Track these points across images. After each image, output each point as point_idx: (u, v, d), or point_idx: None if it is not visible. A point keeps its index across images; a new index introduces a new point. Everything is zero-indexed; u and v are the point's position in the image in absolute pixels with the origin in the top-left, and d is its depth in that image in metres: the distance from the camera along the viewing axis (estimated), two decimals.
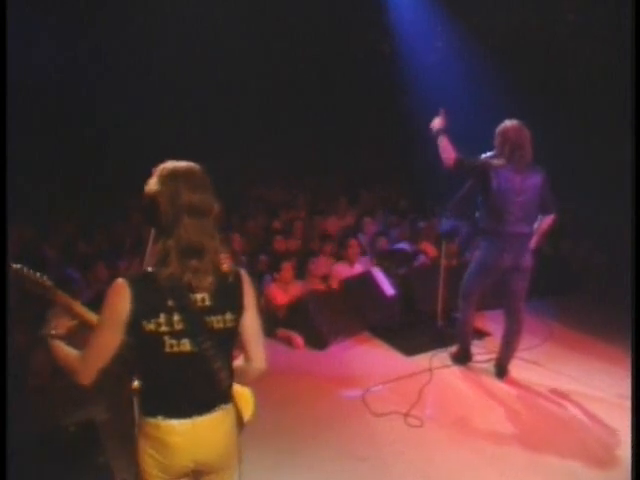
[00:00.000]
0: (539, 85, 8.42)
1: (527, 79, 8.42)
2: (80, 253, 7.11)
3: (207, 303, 2.21)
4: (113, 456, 3.81)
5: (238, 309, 2.29)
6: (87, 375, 2.20)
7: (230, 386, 2.37)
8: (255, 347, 2.40)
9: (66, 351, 2.31)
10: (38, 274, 2.52)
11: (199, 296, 2.20)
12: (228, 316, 2.26)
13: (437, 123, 5.08)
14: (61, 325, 2.44)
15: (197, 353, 2.21)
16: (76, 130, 8.80)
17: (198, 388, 2.27)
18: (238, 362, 2.42)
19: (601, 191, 8.02)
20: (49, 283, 2.52)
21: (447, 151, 4.96)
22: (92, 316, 2.55)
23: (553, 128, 6.26)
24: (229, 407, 2.38)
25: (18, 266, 2.49)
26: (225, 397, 2.36)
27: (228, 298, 2.27)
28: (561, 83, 8.42)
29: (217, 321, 2.24)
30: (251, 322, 2.35)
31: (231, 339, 2.32)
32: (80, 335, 2.47)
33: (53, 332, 2.39)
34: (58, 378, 4.53)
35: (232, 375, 2.35)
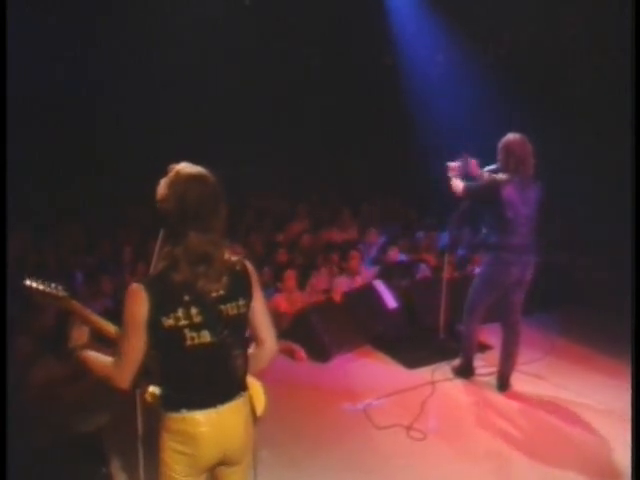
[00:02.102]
0: (540, 98, 8.46)
1: (528, 92, 8.46)
2: (84, 264, 7.12)
3: (221, 292, 2.30)
4: (115, 467, 3.83)
5: (248, 295, 2.39)
6: (123, 380, 2.26)
7: (246, 373, 2.44)
8: (266, 329, 2.50)
9: (99, 359, 2.38)
10: (52, 285, 2.55)
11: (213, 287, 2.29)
12: (241, 302, 2.35)
13: (455, 169, 5.22)
14: (83, 335, 2.50)
15: (216, 343, 2.29)
16: (76, 135, 8.82)
17: (219, 378, 2.34)
18: (250, 350, 2.50)
19: (602, 204, 8.03)
20: (63, 293, 2.57)
21: (456, 187, 5.14)
22: (105, 324, 2.61)
23: (554, 140, 6.31)
24: (246, 394, 2.45)
25: (30, 281, 2.54)
26: (242, 385, 2.43)
27: (238, 285, 2.36)
28: (562, 96, 8.46)
29: (231, 308, 2.32)
30: (260, 306, 2.45)
31: (245, 325, 2.42)
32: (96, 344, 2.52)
33: (80, 343, 2.46)
34: (61, 389, 4.55)
35: (247, 362, 2.43)
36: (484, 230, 5.20)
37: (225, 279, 2.29)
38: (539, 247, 5.18)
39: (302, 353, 6.05)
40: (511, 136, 4.95)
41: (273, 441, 4.41)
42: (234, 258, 2.37)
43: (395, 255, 7.80)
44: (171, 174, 2.25)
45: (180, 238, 2.20)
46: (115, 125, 8.91)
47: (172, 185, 2.22)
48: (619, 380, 5.37)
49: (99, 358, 2.38)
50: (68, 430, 3.99)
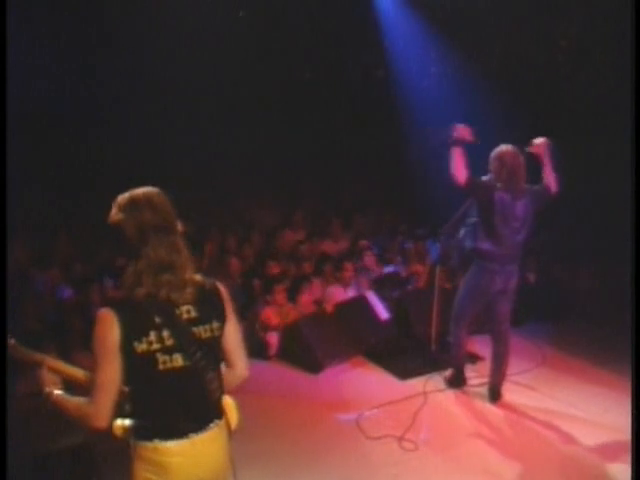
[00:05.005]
0: (534, 109, 8.50)
1: (522, 103, 8.50)
2: (76, 275, 7.09)
3: (193, 314, 2.26)
4: (106, 478, 3.80)
5: (222, 318, 2.35)
6: (102, 416, 2.17)
7: (221, 397, 2.39)
8: (238, 354, 2.46)
9: (73, 401, 2.29)
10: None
11: (184, 308, 2.25)
12: (215, 324, 2.32)
13: (460, 132, 4.87)
14: (54, 380, 2.42)
15: (189, 367, 2.24)
16: (69, 146, 8.79)
17: (192, 403, 2.29)
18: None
19: (598, 213, 8.06)
20: (11, 342, 2.49)
21: (459, 165, 4.80)
22: (61, 365, 2.52)
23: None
24: (222, 422, 2.40)
25: None
26: (218, 411, 2.38)
27: (212, 307, 2.33)
28: (557, 108, 8.50)
29: (205, 330, 2.28)
30: (234, 330, 2.42)
31: (218, 348, 2.37)
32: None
33: (50, 389, 2.36)
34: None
35: (222, 386, 2.38)
36: (468, 237, 5.19)
37: (194, 296, 2.26)
38: (534, 258, 5.21)
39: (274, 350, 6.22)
40: (504, 147, 4.96)
41: (265, 452, 4.41)
42: (201, 277, 2.34)
43: (370, 261, 7.82)
44: (117, 202, 2.25)
45: (141, 250, 2.18)
46: (110, 134, 8.90)
47: (123, 209, 2.22)
48: (612, 391, 5.39)
49: (73, 399, 2.29)
50: (57, 442, 3.96)
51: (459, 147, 4.84)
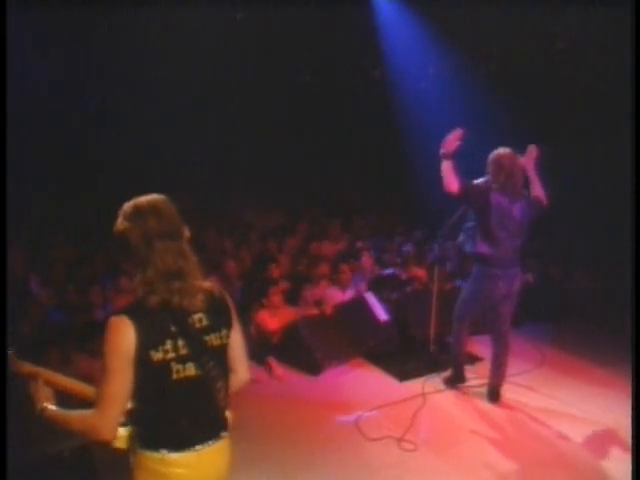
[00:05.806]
0: (533, 110, 8.51)
1: (521, 104, 8.51)
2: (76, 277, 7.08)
3: (205, 323, 2.26)
4: None
5: (230, 325, 2.36)
6: (110, 428, 2.12)
7: (226, 407, 2.37)
8: (242, 359, 2.47)
9: (73, 414, 2.23)
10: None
11: (196, 317, 2.24)
12: (224, 332, 2.32)
13: (450, 145, 4.82)
14: (49, 394, 2.39)
15: (201, 376, 2.22)
16: (69, 148, 8.80)
17: (201, 413, 2.27)
18: None
19: (597, 216, 8.07)
20: (8, 353, 2.46)
21: (450, 177, 4.79)
22: (56, 377, 2.50)
23: (547, 155, 6.38)
24: (227, 434, 2.37)
25: None
26: (224, 421, 2.36)
27: (221, 314, 2.33)
28: (556, 108, 8.51)
29: (215, 339, 2.28)
30: (239, 337, 2.43)
31: (226, 355, 2.36)
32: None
33: (47, 405, 2.32)
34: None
35: (228, 395, 2.36)
36: (467, 241, 5.19)
37: (204, 304, 2.25)
38: (533, 259, 5.21)
39: (280, 371, 5.97)
40: (501, 150, 4.96)
41: (264, 453, 4.41)
42: (209, 283, 2.34)
43: (368, 261, 7.81)
44: (123, 211, 2.24)
45: (148, 259, 2.16)
46: (110, 135, 8.91)
47: (128, 218, 2.20)
48: (612, 391, 5.40)
49: (73, 412, 2.23)
50: (56, 445, 3.95)
51: (449, 160, 4.84)
